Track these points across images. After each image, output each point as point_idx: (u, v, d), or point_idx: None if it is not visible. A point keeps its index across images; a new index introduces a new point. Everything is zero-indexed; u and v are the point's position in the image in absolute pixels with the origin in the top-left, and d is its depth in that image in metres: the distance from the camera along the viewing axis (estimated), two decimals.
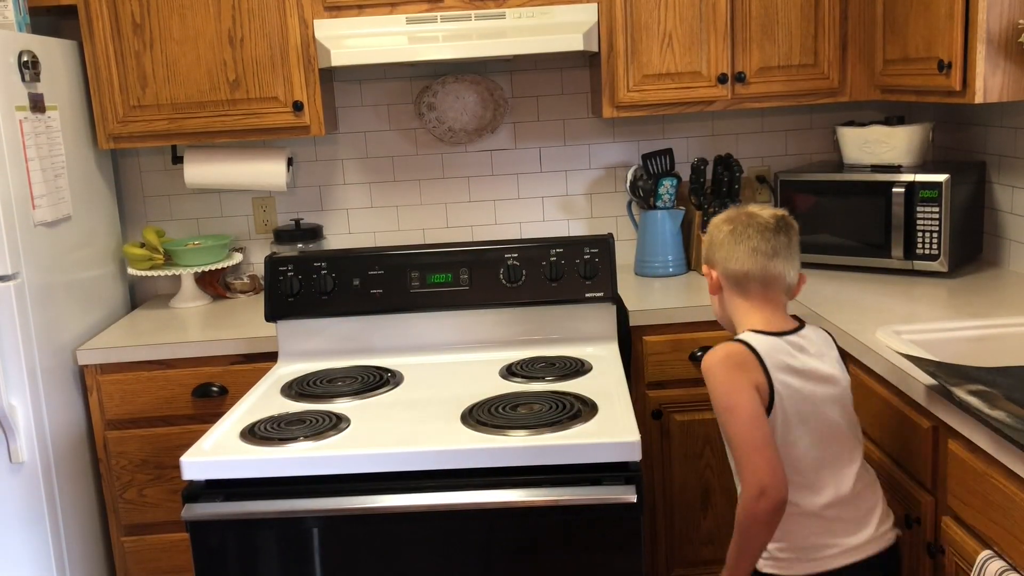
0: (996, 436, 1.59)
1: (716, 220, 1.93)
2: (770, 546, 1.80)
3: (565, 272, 2.48)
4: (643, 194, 3.03)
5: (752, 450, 1.70)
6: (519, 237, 3.18)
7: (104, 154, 3.01)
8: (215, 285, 3.14)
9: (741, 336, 1.83)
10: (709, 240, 1.92)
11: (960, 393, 1.70)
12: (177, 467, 1.91)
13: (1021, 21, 2.19)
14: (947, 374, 1.80)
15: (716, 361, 1.78)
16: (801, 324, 1.89)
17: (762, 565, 1.82)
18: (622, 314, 2.55)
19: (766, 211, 1.89)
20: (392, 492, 1.86)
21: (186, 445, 1.99)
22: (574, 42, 2.67)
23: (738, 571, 1.77)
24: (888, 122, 2.93)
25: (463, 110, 3.15)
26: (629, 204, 3.17)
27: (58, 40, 2.73)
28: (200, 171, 3.02)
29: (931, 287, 2.63)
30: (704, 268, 1.94)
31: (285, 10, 2.76)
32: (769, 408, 1.76)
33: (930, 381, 1.83)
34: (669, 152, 3.06)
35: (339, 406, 2.16)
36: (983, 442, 1.65)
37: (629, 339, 2.57)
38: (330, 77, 3.06)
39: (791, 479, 1.74)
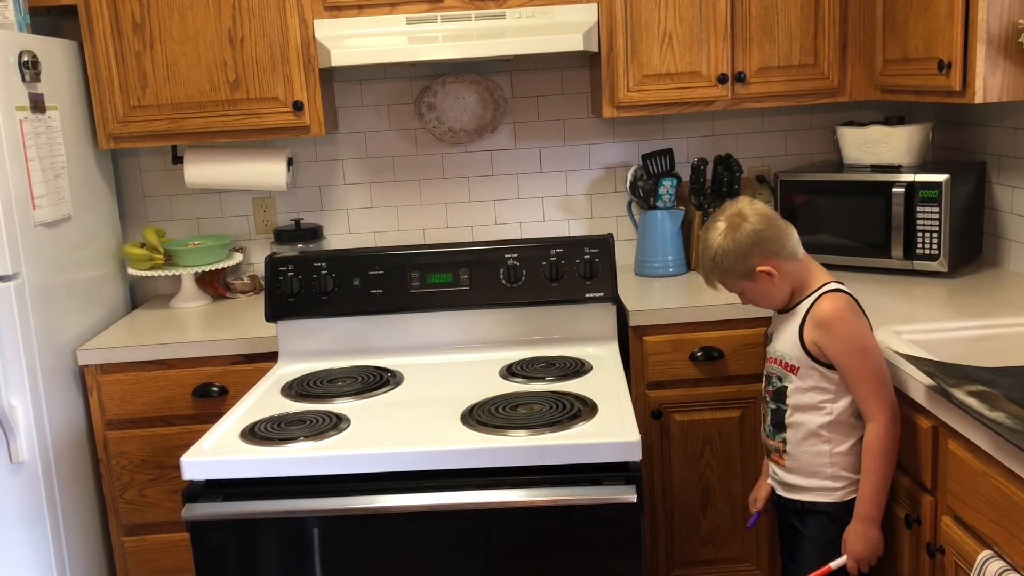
0: (996, 436, 1.59)
1: (726, 228, 2.01)
2: (853, 475, 2.02)
3: (565, 272, 2.48)
4: (643, 194, 3.03)
5: (886, 381, 1.96)
6: (519, 237, 3.18)
7: (104, 154, 3.01)
8: (215, 285, 3.14)
9: (840, 288, 2.01)
10: (753, 240, 1.99)
11: (959, 394, 1.70)
12: (177, 467, 1.91)
13: (1021, 21, 2.19)
14: (946, 374, 1.80)
15: (844, 310, 1.97)
16: None
17: (850, 492, 2.03)
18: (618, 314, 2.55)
19: (746, 200, 2.07)
20: (392, 492, 1.86)
21: (186, 445, 1.99)
22: (574, 42, 2.67)
23: (882, 496, 1.96)
24: (888, 122, 2.93)
25: (463, 110, 3.15)
26: (629, 204, 3.17)
27: (58, 40, 2.73)
28: (200, 171, 3.02)
29: (931, 287, 2.63)
30: (765, 268, 2.00)
31: (285, 10, 2.76)
32: None
33: (929, 382, 1.84)
34: (669, 152, 3.06)
35: (339, 406, 2.16)
36: (983, 442, 1.65)
37: (626, 339, 2.57)
38: (330, 77, 3.06)
39: None
